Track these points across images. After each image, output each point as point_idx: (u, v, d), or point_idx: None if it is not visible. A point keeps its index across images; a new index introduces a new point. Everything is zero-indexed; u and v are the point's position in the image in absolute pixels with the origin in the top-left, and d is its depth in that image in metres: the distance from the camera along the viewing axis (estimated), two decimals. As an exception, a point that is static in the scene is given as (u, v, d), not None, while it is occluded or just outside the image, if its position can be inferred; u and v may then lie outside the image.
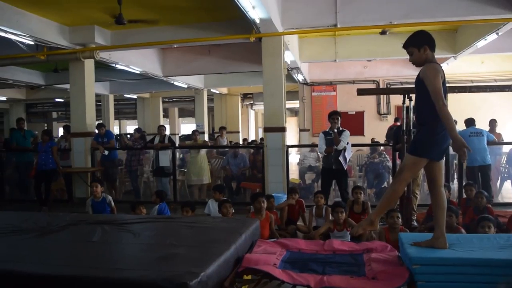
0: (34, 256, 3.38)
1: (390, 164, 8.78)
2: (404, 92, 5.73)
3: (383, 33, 9.95)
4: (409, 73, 14.04)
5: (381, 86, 14.26)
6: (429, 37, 3.65)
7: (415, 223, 6.43)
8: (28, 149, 10.12)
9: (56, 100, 20.07)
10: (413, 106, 5.58)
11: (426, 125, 3.46)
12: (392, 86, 14.01)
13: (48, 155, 8.62)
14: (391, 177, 8.58)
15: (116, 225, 4.16)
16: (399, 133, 6.17)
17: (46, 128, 21.62)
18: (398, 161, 7.67)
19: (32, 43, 8.56)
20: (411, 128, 5.74)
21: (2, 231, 4.04)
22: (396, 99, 13.84)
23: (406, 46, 3.65)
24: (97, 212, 6.41)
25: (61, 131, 22.30)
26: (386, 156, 9.19)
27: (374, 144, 10.55)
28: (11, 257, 3.31)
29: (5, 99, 18.82)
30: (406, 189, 5.81)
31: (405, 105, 5.82)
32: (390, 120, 14.46)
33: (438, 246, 3.33)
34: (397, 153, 7.25)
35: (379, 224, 4.27)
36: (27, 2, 7.55)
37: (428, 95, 3.34)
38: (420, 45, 3.56)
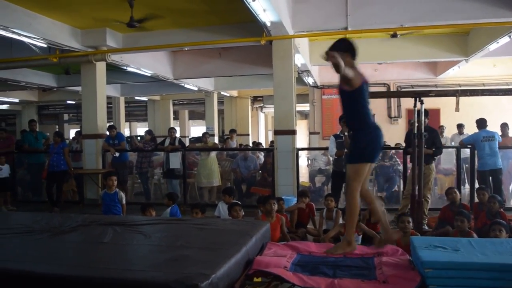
0: (46, 256, 3.41)
1: (401, 167, 8.72)
2: (416, 95, 5.70)
3: (393, 36, 9.91)
4: (420, 76, 14.01)
5: (391, 89, 14.19)
6: (351, 44, 3.81)
7: (426, 227, 6.40)
8: (40, 150, 10.21)
9: (68, 102, 20.25)
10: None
11: (357, 131, 3.62)
12: (403, 89, 13.95)
13: (59, 156, 8.69)
14: (402, 181, 8.53)
15: (127, 226, 4.17)
16: (411, 137, 6.14)
17: (57, 129, 21.82)
18: (409, 165, 7.63)
19: (45, 45, 8.66)
20: (423, 131, 5.71)
21: (15, 231, 4.08)
22: (407, 103, 13.73)
23: (330, 50, 3.74)
24: (106, 204, 6.46)
25: (72, 133, 22.50)
26: (397, 159, 9.14)
27: (384, 148, 10.48)
28: (24, 257, 3.34)
29: (17, 101, 19.02)
30: (417, 193, 5.81)
31: (416, 108, 5.78)
32: (400, 124, 14.39)
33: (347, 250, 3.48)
34: (409, 156, 7.20)
35: (390, 227, 4.28)
36: (40, 5, 7.65)
37: (352, 101, 3.55)
38: (343, 51, 3.69)
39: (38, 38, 8.09)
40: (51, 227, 4.22)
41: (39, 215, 5.09)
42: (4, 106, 21.54)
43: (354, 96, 3.67)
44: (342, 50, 3.68)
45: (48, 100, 19.73)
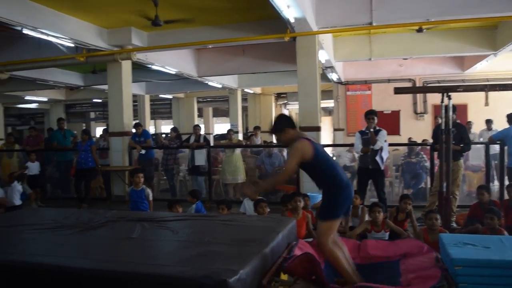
0: (76, 251, 3.49)
1: (428, 164, 8.60)
2: (443, 90, 5.59)
3: (419, 30, 9.73)
4: (447, 71, 13.76)
5: (417, 85, 13.97)
6: (285, 119, 4.03)
7: (455, 225, 6.30)
8: (68, 148, 10.42)
9: (94, 100, 20.58)
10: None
11: (327, 191, 3.74)
12: (429, 85, 13.72)
13: (87, 154, 8.85)
14: (428, 178, 8.41)
15: (154, 222, 4.23)
16: (438, 133, 6.03)
17: (84, 127, 22.21)
18: (436, 161, 7.52)
19: (72, 45, 8.81)
20: (451, 127, 5.61)
21: (46, 227, 4.18)
22: (433, 98, 13.54)
23: (273, 133, 4.02)
24: (134, 200, 6.55)
25: (98, 131, 22.86)
26: (424, 156, 9.01)
27: (410, 144, 10.37)
28: (55, 252, 3.42)
29: (46, 99, 19.42)
30: (445, 190, 5.72)
31: (443, 104, 5.68)
32: (427, 119, 14.17)
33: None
34: (436, 153, 7.09)
35: (417, 224, 4.20)
36: (68, 5, 7.78)
37: (312, 166, 3.70)
38: (281, 130, 3.85)
39: (65, 38, 8.25)
40: (80, 223, 4.31)
41: (69, 211, 5.20)
42: (33, 105, 22.04)
43: (313, 165, 3.74)
44: (281, 129, 3.85)
45: (75, 98, 20.09)
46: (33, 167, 9.37)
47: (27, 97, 18.17)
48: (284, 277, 3.39)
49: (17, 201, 8.19)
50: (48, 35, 7.91)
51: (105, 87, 11.66)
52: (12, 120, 24.75)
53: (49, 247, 3.62)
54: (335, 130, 15.29)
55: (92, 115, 25.22)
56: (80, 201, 8.84)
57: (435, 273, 3.12)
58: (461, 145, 6.62)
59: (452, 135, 5.62)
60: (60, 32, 7.99)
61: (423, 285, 3.03)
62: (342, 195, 3.65)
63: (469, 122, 10.89)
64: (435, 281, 3.02)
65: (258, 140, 11.46)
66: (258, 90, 19.05)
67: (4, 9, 6.83)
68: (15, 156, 10.75)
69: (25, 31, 7.52)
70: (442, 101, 5.65)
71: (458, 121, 6.85)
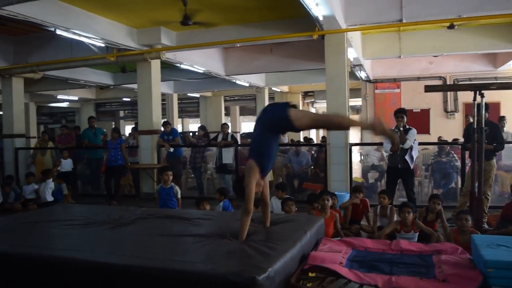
0: (108, 247, 3.56)
1: (458, 163, 8.43)
2: (476, 88, 5.47)
3: (451, 27, 9.53)
4: (478, 68, 13.43)
5: (448, 83, 13.70)
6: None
7: (486, 226, 6.16)
8: (99, 146, 10.63)
9: (124, 99, 20.91)
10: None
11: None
12: (460, 83, 13.43)
13: (117, 151, 9.00)
14: (459, 178, 8.24)
15: (184, 219, 4.29)
16: (470, 131, 5.90)
17: (113, 126, 22.60)
18: (467, 161, 7.37)
19: (103, 45, 8.99)
20: (483, 126, 5.49)
21: (77, 223, 4.28)
22: (464, 96, 13.26)
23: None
24: (163, 198, 6.64)
25: (127, 129, 23.24)
26: (454, 155, 8.83)
27: (441, 143, 10.17)
28: (86, 247, 3.50)
29: (76, 98, 19.85)
30: (477, 190, 5.60)
31: (476, 102, 5.56)
32: (458, 118, 13.89)
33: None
34: (467, 152, 6.95)
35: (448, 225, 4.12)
36: (99, 6, 7.93)
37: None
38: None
39: (97, 38, 8.41)
40: (111, 220, 4.40)
41: (99, 208, 5.32)
42: (64, 104, 22.55)
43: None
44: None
45: (105, 97, 20.46)
46: (66, 164, 9.60)
47: (59, 96, 18.62)
48: (312, 274, 3.38)
49: (49, 198, 8.41)
50: (80, 35, 8.08)
51: (134, 86, 11.83)
52: (44, 118, 25.39)
53: (80, 242, 3.70)
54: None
55: (121, 113, 25.63)
56: (110, 198, 9.00)
57: (476, 276, 3.04)
58: (494, 144, 6.46)
59: (484, 134, 5.49)
60: (91, 33, 8.15)
61: (461, 285, 2.96)
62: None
63: (503, 117, 10.51)
64: (476, 284, 2.94)
65: (286, 138, 11.44)
66: (285, 88, 19.01)
67: (38, 11, 7.02)
68: (48, 154, 11.01)
69: (58, 31, 7.72)
70: (474, 99, 5.53)
71: (489, 119, 6.69)
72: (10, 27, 8.78)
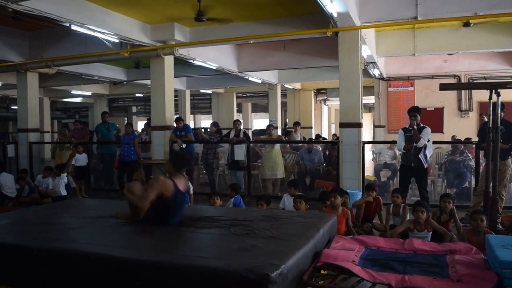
0: (122, 241, 3.59)
1: (472, 163, 8.35)
2: (491, 87, 5.39)
3: (466, 25, 9.43)
4: (494, 67, 13.27)
5: (462, 81, 13.57)
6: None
7: (500, 226, 6.09)
8: (112, 141, 10.69)
9: (136, 95, 21.03)
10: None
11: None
12: (475, 81, 13.30)
13: (130, 147, 9.06)
14: (473, 177, 8.17)
15: (196, 215, 4.30)
16: (485, 130, 5.83)
17: (126, 121, 22.75)
18: (481, 160, 7.29)
19: (117, 41, 9.04)
20: (498, 125, 5.42)
21: (90, 217, 4.32)
22: (479, 95, 13.13)
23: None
24: None
25: (140, 125, 23.37)
26: (468, 154, 8.75)
27: (455, 142, 10.08)
28: (100, 241, 3.53)
29: (90, 94, 20.01)
30: (491, 190, 5.54)
31: (491, 101, 5.49)
32: (472, 117, 13.76)
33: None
34: (481, 151, 6.88)
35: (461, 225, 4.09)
36: (113, 2, 7.98)
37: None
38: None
39: (111, 34, 8.45)
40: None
41: (112, 203, 5.37)
42: (78, 99, 22.74)
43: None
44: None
45: (118, 93, 20.61)
46: (81, 159, 9.69)
47: (73, 92, 18.81)
48: (324, 272, 3.38)
49: (63, 192, 8.49)
50: (94, 31, 8.12)
51: (147, 82, 11.89)
52: (58, 113, 25.66)
53: (92, 236, 3.74)
54: (375, 127, 15.04)
55: (134, 109, 25.80)
56: (123, 193, 9.03)
57: (491, 276, 3.01)
58: (510, 144, 6.39)
59: (500, 133, 5.43)
60: (106, 28, 8.19)
61: (476, 285, 2.93)
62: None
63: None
64: (491, 285, 2.91)
65: (298, 136, 11.42)
66: (297, 85, 18.98)
67: (54, 6, 7.08)
68: (66, 148, 11.10)
69: (73, 27, 7.77)
70: (490, 98, 5.46)
71: (505, 119, 6.61)
72: (26, 22, 8.85)
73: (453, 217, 5.69)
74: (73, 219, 4.25)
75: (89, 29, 7.99)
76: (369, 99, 17.00)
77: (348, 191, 6.73)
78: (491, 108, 5.51)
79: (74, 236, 3.75)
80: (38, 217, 4.50)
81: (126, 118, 25.17)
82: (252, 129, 22.24)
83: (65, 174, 8.68)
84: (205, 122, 28.78)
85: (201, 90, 19.58)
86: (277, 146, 9.50)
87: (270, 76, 15.70)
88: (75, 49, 10.11)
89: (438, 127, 13.10)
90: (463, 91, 13.76)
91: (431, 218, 5.45)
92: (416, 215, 5.26)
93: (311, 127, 19.04)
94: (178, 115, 13.02)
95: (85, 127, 12.03)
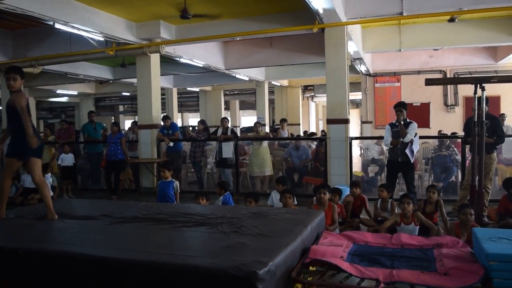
0: (109, 241, 3.55)
1: (459, 157, 8.42)
2: (477, 81, 5.43)
3: (451, 20, 9.50)
4: (479, 62, 13.39)
5: (448, 76, 13.66)
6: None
7: (486, 219, 6.15)
8: (99, 140, 10.60)
9: (123, 93, 20.87)
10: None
11: (16, 135, 4.35)
12: (461, 76, 13.40)
13: (117, 146, 8.98)
14: (459, 171, 8.24)
15: (184, 214, 4.28)
16: (471, 125, 5.88)
17: (113, 120, 22.59)
18: (468, 155, 7.35)
19: (102, 39, 8.96)
20: (483, 119, 5.46)
21: (77, 217, 4.28)
22: (464, 90, 13.24)
23: (12, 72, 4.40)
24: (162, 191, 6.64)
25: (127, 124, 23.21)
26: (455, 149, 8.82)
27: (442, 137, 10.16)
28: (87, 242, 3.48)
29: (76, 93, 19.82)
30: (477, 183, 5.59)
31: (476, 96, 5.52)
32: (457, 112, 13.87)
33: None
34: (467, 146, 6.93)
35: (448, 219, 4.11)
36: (98, 0, 7.88)
37: (18, 113, 4.22)
38: (23, 76, 4.50)
39: (96, 32, 8.37)
40: (112, 214, 4.38)
41: (99, 203, 5.31)
42: (64, 99, 22.51)
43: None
44: (23, 75, 4.53)
45: (104, 92, 20.43)
46: (67, 159, 9.58)
47: (58, 91, 18.60)
48: (312, 268, 3.38)
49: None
50: (79, 29, 8.05)
51: (133, 80, 11.80)
52: (44, 113, 25.38)
53: (80, 236, 3.69)
54: (363, 122, 15.10)
55: (121, 108, 25.61)
56: (110, 192, 9.00)
57: (477, 269, 3.03)
58: (495, 137, 6.45)
59: (485, 127, 5.47)
60: (90, 26, 8.12)
61: (463, 278, 2.95)
62: (25, 140, 4.19)
63: (503, 114, 10.59)
64: (477, 278, 2.93)
65: (285, 132, 11.42)
66: (285, 82, 18.99)
67: (37, 5, 7.00)
68: (47, 149, 10.94)
69: (57, 25, 7.69)
70: (475, 93, 5.50)
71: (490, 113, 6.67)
72: (9, 21, 8.73)
73: (440, 210, 5.73)
74: (57, 220, 4.21)
75: (74, 27, 7.92)
76: (356, 95, 17.06)
77: (337, 186, 6.75)
78: (476, 102, 5.56)
79: (57, 236, 3.72)
80: (24, 218, 4.43)
81: (113, 117, 24.98)
82: (240, 127, 22.20)
83: (49, 174, 8.58)
84: (193, 120, 28.68)
85: (188, 88, 19.51)
86: (265, 143, 9.49)
87: (257, 73, 15.69)
88: (59, 48, 9.99)
89: (424, 122, 13.18)
90: (449, 86, 13.87)
91: (416, 210, 5.48)
92: (402, 206, 5.29)
93: (299, 124, 19.06)
94: (165, 114, 12.94)
95: (71, 126, 11.90)
